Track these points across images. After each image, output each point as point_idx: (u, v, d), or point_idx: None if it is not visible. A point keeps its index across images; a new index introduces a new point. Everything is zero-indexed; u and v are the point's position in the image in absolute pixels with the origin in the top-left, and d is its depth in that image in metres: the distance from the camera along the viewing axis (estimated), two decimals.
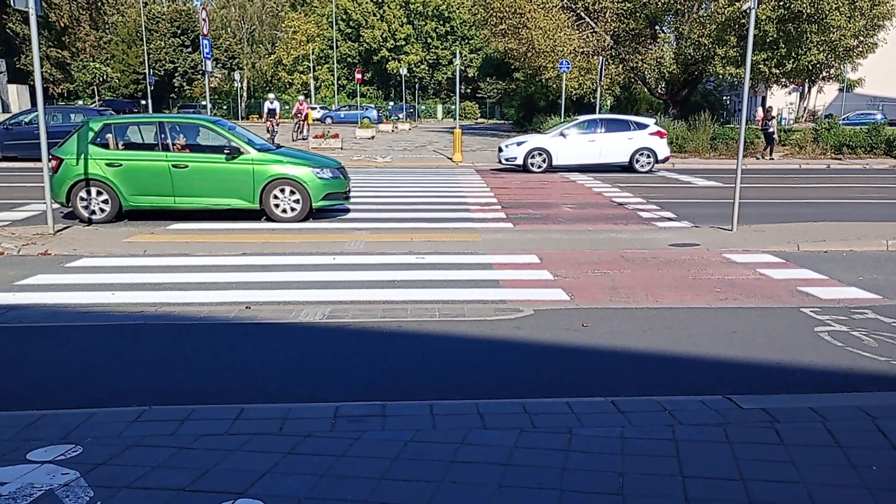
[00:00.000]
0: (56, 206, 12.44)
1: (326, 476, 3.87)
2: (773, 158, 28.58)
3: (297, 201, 13.09)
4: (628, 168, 23.44)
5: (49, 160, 12.19)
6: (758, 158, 28.33)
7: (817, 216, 13.99)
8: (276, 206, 13.09)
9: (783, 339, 6.79)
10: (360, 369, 6.00)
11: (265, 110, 33.24)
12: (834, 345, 6.59)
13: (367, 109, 65.37)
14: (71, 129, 23.78)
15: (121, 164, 12.68)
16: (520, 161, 23.19)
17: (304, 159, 13.71)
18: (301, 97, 37.59)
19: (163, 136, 12.99)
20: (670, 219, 14.00)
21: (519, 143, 23.67)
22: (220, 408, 4.86)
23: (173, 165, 12.76)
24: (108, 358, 6.25)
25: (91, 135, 12.84)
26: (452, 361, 6.21)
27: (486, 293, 8.37)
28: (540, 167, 23.03)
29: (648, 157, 23.32)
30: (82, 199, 12.74)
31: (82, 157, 12.65)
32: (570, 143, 23.18)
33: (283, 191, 13.04)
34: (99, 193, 12.76)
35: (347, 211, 14.45)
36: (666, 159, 24.07)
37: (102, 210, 12.82)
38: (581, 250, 10.79)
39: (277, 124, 32.50)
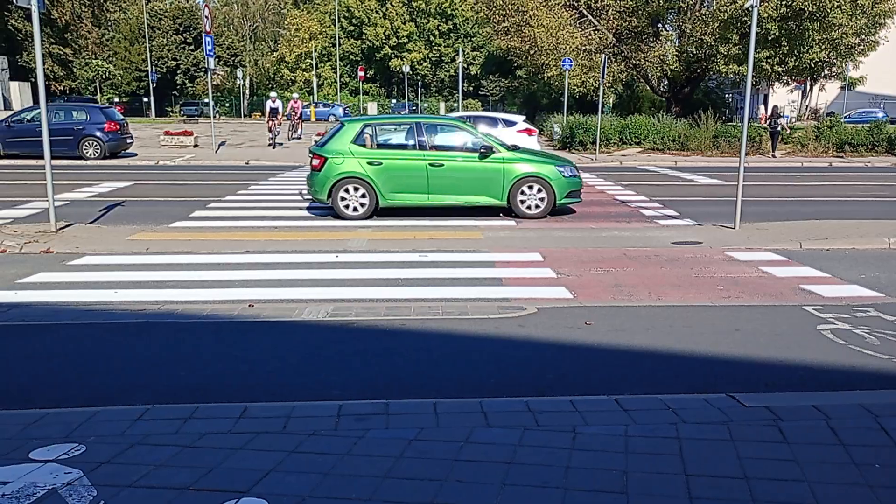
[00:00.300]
0: (59, 203, 12.44)
1: (330, 474, 3.87)
2: (775, 156, 28.56)
3: (542, 199, 13.51)
4: None
5: (311, 158, 13.34)
6: (773, 157, 28.40)
7: (819, 214, 13.98)
8: (522, 202, 13.53)
9: (786, 337, 6.79)
10: (364, 367, 6.00)
11: (267, 109, 32.80)
12: (837, 343, 6.58)
13: (333, 107, 64.32)
14: (73, 127, 24.16)
15: (381, 163, 13.16)
16: None
17: (546, 158, 14.32)
18: (294, 95, 37.09)
19: (419, 135, 13.47)
20: (673, 217, 13.99)
21: None
22: (224, 406, 4.86)
23: (430, 164, 13.22)
24: (110, 356, 6.26)
25: (352, 134, 13.34)
26: (456, 360, 6.21)
27: (490, 291, 8.38)
28: None
29: None
30: (343, 196, 13.21)
31: (345, 156, 13.14)
32: None
33: (530, 188, 13.48)
34: (357, 190, 13.22)
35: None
36: None
37: (361, 206, 13.28)
38: (584, 248, 10.79)
39: (279, 124, 32.35)
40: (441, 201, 13.43)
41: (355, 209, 13.22)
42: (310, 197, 14.41)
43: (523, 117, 25.00)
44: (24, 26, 57.14)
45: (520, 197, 13.44)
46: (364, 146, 13.26)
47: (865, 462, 4.05)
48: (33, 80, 47.07)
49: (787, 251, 10.67)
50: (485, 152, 13.27)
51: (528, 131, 23.45)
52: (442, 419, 4.61)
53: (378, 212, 13.42)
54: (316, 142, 15.57)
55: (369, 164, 13.10)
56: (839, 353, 6.33)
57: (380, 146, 13.43)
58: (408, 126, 13.89)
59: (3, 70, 42.11)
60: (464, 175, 13.30)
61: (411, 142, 13.47)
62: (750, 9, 12.04)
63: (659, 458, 4.09)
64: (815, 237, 11.42)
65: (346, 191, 13.16)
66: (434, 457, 4.08)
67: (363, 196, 13.20)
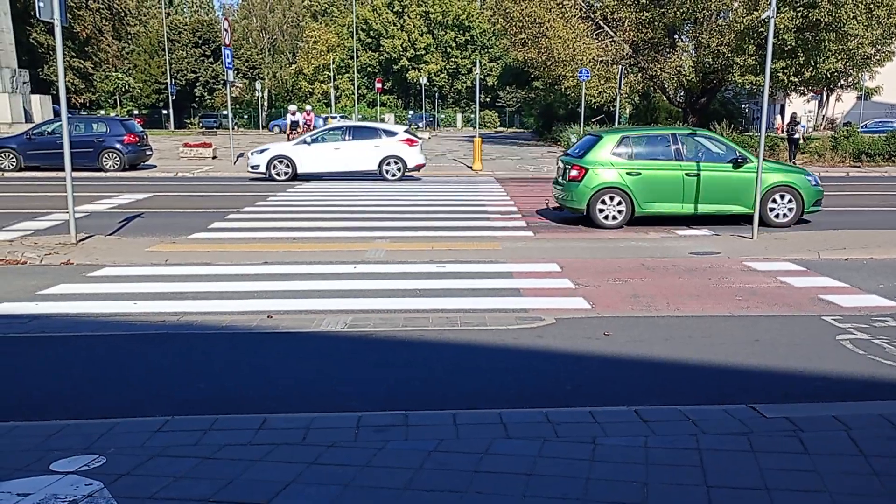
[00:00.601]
0: (79, 215, 12.54)
1: (350, 486, 3.87)
2: (794, 164, 28.45)
3: (791, 208, 13.78)
4: (378, 177, 22.89)
5: (570, 169, 13.73)
6: (793, 165, 28.27)
7: (837, 224, 13.89)
8: (772, 210, 13.77)
9: (805, 347, 6.75)
10: (383, 378, 6.00)
11: (288, 123, 32.38)
12: (855, 353, 6.54)
13: (315, 118, 63.74)
14: (93, 139, 24.37)
15: (639, 174, 13.53)
16: (263, 169, 22.54)
17: (790, 168, 14.89)
18: (308, 108, 36.83)
19: (675, 145, 13.82)
20: (690, 227, 13.94)
21: (261, 151, 22.97)
22: (244, 417, 4.87)
23: (686, 174, 13.53)
24: (130, 367, 6.29)
25: (611, 146, 13.74)
26: (474, 371, 6.21)
27: (508, 302, 8.37)
28: (284, 175, 22.45)
29: (398, 164, 22.83)
30: (601, 206, 13.62)
31: (604, 167, 13.57)
32: (314, 150, 22.76)
33: (781, 197, 13.74)
34: (612, 200, 13.62)
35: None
36: (418, 167, 23.57)
37: (619, 215, 13.64)
38: (601, 258, 10.77)
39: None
40: (693, 211, 13.72)
41: (614, 217, 13.63)
42: (556, 204, 15.04)
43: (405, 127, 24.69)
44: (46, 40, 57.73)
45: (770, 206, 13.69)
46: (622, 157, 13.66)
47: (887, 472, 4.01)
48: (54, 92, 47.50)
49: (805, 261, 10.60)
50: (739, 162, 13.55)
51: (409, 141, 23.13)
52: (461, 430, 4.60)
53: (632, 220, 13.70)
54: (565, 152, 15.97)
55: (628, 174, 13.51)
56: (858, 363, 6.28)
57: (637, 157, 13.74)
58: (663, 137, 14.30)
59: (24, 83, 42.44)
60: (718, 184, 13.58)
61: (668, 152, 13.82)
62: (766, 20, 12.01)
63: (679, 469, 4.07)
64: (833, 247, 11.35)
65: (604, 201, 13.59)
66: (454, 468, 4.08)
67: (619, 205, 13.60)
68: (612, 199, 13.54)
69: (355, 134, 23.36)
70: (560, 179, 14.39)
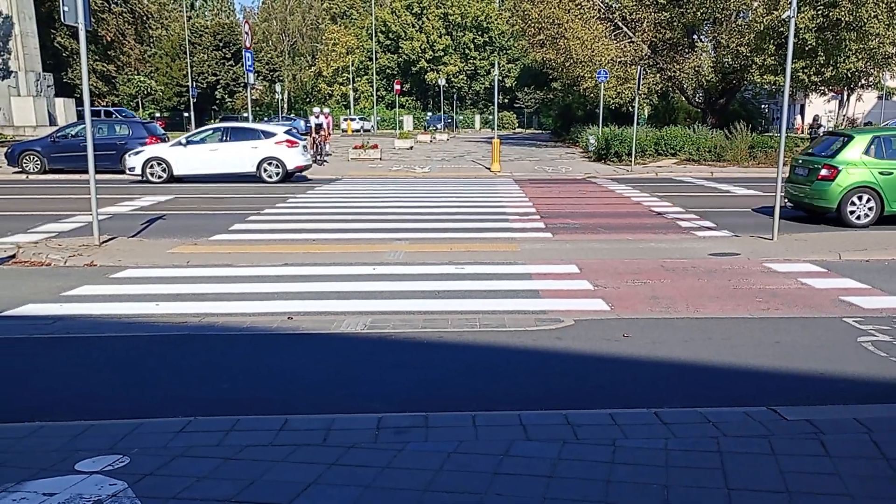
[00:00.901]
0: (102, 217, 12.64)
1: (370, 488, 3.89)
2: None
3: None
4: (257, 178, 22.54)
5: (819, 168, 14.00)
6: None
7: None
8: None
9: (826, 349, 6.72)
10: (402, 380, 6.03)
11: (312, 125, 31.50)
12: (877, 355, 6.50)
13: (294, 121, 62.20)
14: (116, 142, 24.53)
15: (892, 173, 13.79)
16: (138, 171, 22.09)
17: None
18: (326, 110, 35.50)
19: None
20: (710, 228, 13.89)
21: (137, 153, 22.53)
22: (265, 418, 4.91)
23: None
24: (152, 368, 6.35)
25: (863, 146, 13.99)
26: (494, 372, 6.22)
27: (527, 303, 8.38)
28: (159, 177, 22.00)
29: (277, 166, 22.47)
30: (851, 205, 13.96)
31: (857, 166, 13.85)
32: (190, 152, 22.37)
33: None
34: (861, 199, 13.92)
35: None
36: (298, 169, 23.25)
37: (868, 213, 13.93)
38: (620, 260, 10.75)
39: (326, 139, 31.17)
40: None
41: (865, 216, 13.90)
42: (791, 203, 15.19)
43: (284, 129, 24.17)
44: (70, 44, 58.18)
45: None
46: (874, 157, 13.86)
47: None
48: (77, 95, 47.94)
49: (826, 262, 10.54)
50: None
51: (290, 143, 22.63)
52: (481, 432, 4.62)
53: (882, 219, 13.86)
54: (804, 151, 16.15)
55: (880, 173, 13.75)
56: (880, 365, 6.25)
57: (889, 156, 13.88)
58: None
59: (49, 87, 42.89)
60: None
61: None
62: (787, 19, 11.95)
63: (700, 472, 4.07)
64: (854, 248, 11.28)
65: (853, 201, 13.88)
66: (474, 470, 4.09)
67: (869, 203, 13.88)
68: (861, 198, 13.83)
69: (233, 135, 22.98)
70: (799, 178, 14.82)
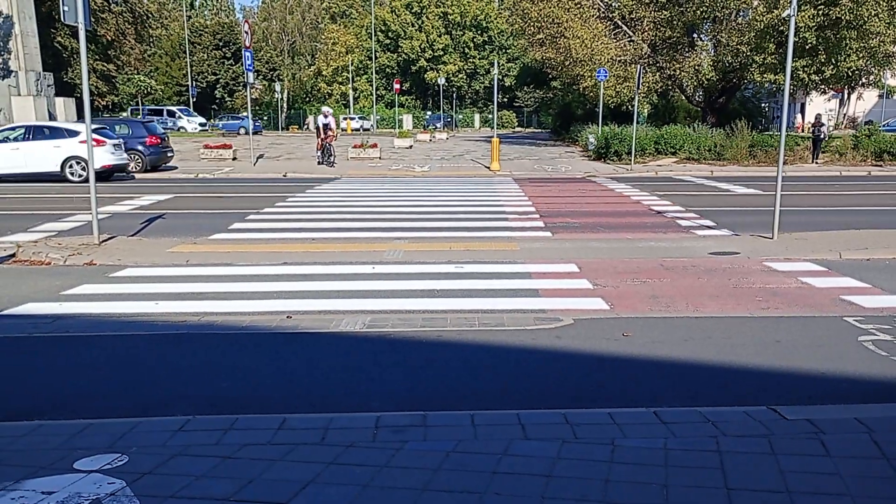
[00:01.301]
0: (102, 216, 12.63)
1: (369, 487, 3.88)
2: (817, 163, 28.43)
3: None
4: (61, 178, 21.92)
5: None
6: (816, 163, 28.41)
7: (859, 224, 13.78)
8: None
9: (827, 348, 6.71)
10: (401, 379, 6.02)
11: (319, 125, 29.76)
12: (878, 354, 6.49)
13: (243, 119, 58.95)
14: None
15: None
16: None
17: None
18: (328, 110, 33.87)
19: None
20: (710, 227, 13.87)
21: None
22: (263, 417, 4.90)
23: None
24: (152, 367, 6.34)
25: None
26: (493, 371, 6.21)
27: (526, 302, 8.37)
28: None
29: (81, 165, 21.78)
30: None
31: None
32: None
33: None
34: None
35: None
36: (108, 169, 22.30)
37: None
38: (620, 259, 10.74)
39: (333, 139, 29.46)
40: None
41: None
42: None
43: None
44: (70, 43, 58.11)
45: None
46: None
47: None
48: (77, 95, 47.90)
49: (826, 261, 10.53)
50: None
51: (97, 141, 20.66)
52: (480, 431, 4.61)
53: None
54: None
55: None
56: (881, 364, 6.24)
57: None
58: None
59: (49, 86, 42.85)
60: None
61: None
62: (787, 18, 11.93)
63: (699, 471, 4.06)
64: (854, 247, 11.26)
65: None
66: (472, 469, 4.08)
67: None
68: None
69: (36, 134, 22.40)
70: None
